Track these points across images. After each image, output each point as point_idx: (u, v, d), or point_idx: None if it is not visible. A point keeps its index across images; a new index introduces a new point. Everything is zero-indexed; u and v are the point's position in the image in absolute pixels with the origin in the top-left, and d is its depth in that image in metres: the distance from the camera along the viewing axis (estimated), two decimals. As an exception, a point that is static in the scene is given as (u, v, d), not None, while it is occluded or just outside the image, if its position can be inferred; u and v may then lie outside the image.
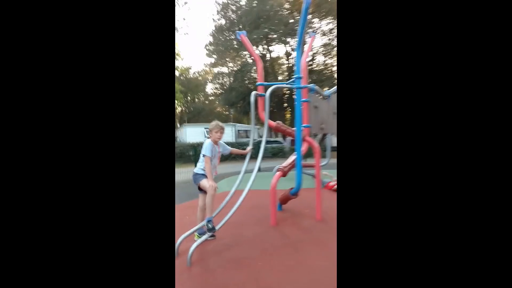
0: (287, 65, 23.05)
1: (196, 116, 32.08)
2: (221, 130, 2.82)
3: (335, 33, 20.01)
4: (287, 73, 22.35)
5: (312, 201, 4.23)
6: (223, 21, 21.96)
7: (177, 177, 8.72)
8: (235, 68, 24.12)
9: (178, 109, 32.67)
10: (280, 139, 19.06)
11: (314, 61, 20.13)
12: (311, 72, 19.02)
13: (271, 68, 20.74)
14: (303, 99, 3.46)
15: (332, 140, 8.10)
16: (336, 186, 5.13)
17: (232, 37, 21.88)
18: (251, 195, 2.90)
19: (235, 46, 22.06)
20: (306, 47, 4.53)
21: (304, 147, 3.53)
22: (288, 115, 22.48)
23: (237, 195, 3.02)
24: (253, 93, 3.41)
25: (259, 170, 7.33)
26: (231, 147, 3.08)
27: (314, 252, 2.56)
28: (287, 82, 3.63)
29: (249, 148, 3.24)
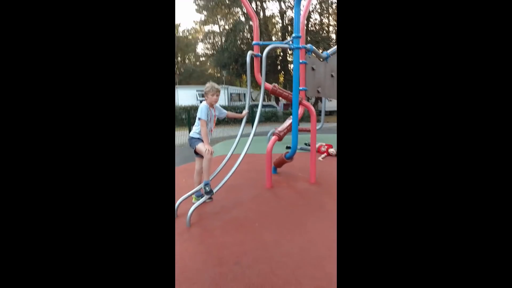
0: (281, 24, 21.92)
1: (187, 78, 31.05)
2: (217, 92, 2.72)
3: (334, -11, 18.80)
4: (280, 34, 21.33)
5: (305, 165, 4.32)
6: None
7: (171, 141, 8.66)
8: (226, 27, 22.84)
9: (168, 71, 31.32)
10: (273, 103, 18.83)
11: (309, 21, 19.11)
12: (305, 32, 18.22)
13: (264, 27, 19.65)
14: (301, 61, 3.33)
15: (326, 104, 8.03)
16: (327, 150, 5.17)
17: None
18: (246, 159, 2.91)
19: (227, 1, 20.63)
20: (304, 3, 4.24)
21: (300, 111, 3.48)
22: (281, 78, 21.96)
23: (233, 159, 3.04)
24: (249, 53, 3.24)
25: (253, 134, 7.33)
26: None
27: (310, 213, 2.66)
28: (285, 42, 3.45)
29: (245, 111, 3.18)
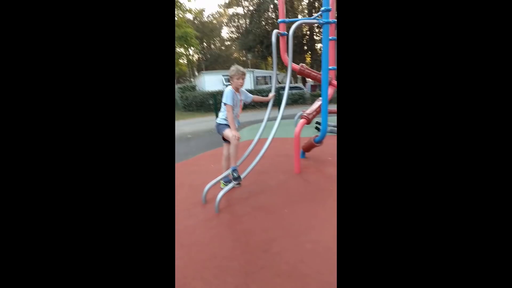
0: (307, 1, 20.82)
1: (213, 63, 31.10)
2: (243, 76, 2.62)
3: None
4: (307, 11, 20.30)
5: (334, 148, 4.14)
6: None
7: (199, 126, 8.84)
8: (251, 8, 22.22)
9: (195, 56, 31.70)
10: (299, 84, 18.26)
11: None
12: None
13: (290, 4, 18.82)
14: (331, 37, 3.09)
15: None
16: None
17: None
18: (273, 144, 2.83)
19: (251, -19, 19.93)
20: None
21: (330, 92, 3.28)
22: (308, 59, 21.13)
23: (260, 143, 2.97)
24: (275, 31, 3.06)
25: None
26: (251, 94, 2.92)
27: (340, 199, 2.54)
28: (313, 17, 3.21)
29: (271, 94, 3.06)
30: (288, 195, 2.70)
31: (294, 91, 14.50)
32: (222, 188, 2.72)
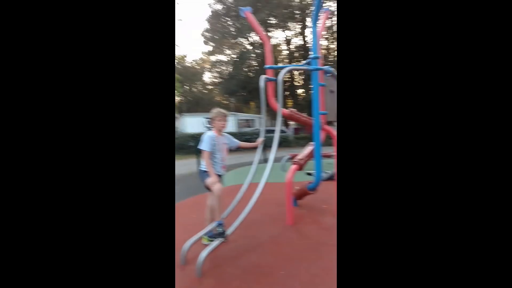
0: (287, 51, 22.39)
1: (195, 106, 31.52)
2: (224, 118, 2.51)
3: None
4: (287, 61, 21.69)
5: (328, 194, 3.89)
6: (219, 6, 21.09)
7: (179, 170, 8.41)
8: (233, 55, 23.44)
9: (177, 99, 32.11)
10: (282, 127, 18.59)
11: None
12: (312, 57, 18.49)
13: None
14: (320, 83, 3.08)
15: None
16: None
17: (229, 23, 21.07)
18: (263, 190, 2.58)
19: (233, 32, 21.30)
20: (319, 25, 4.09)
21: (321, 136, 3.17)
22: (290, 103, 22.00)
23: (248, 190, 2.70)
24: (262, 77, 3.02)
25: (265, 161, 7.01)
26: (233, 137, 2.73)
27: (342, 256, 2.24)
28: (302, 64, 3.23)
29: (260, 139, 2.90)
30: (283, 252, 2.36)
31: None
32: (205, 245, 2.34)
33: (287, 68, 2.97)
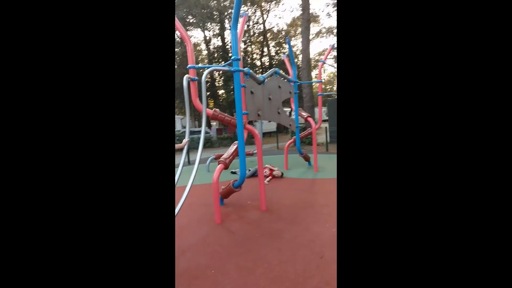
0: (206, 51, 22.19)
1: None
2: None
3: (254, 19, 20.16)
4: (207, 61, 21.53)
5: (252, 191, 4.11)
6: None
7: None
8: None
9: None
10: (206, 128, 18.33)
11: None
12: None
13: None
14: (242, 84, 3.21)
15: (263, 126, 8.13)
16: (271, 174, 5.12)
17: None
18: (184, 193, 2.54)
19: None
20: (239, 26, 4.23)
21: (244, 135, 3.31)
22: (211, 104, 21.90)
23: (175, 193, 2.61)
24: (186, 76, 2.96)
25: (188, 163, 6.82)
26: None
27: (269, 246, 2.41)
28: (224, 65, 3.30)
29: (185, 140, 2.84)
30: (212, 251, 2.39)
31: (200, 135, 14.42)
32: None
33: (210, 69, 2.99)
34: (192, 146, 7.97)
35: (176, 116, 21.17)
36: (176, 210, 2.39)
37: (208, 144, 14.75)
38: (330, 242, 2.36)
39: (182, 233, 2.81)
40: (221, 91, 21.84)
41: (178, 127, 18.37)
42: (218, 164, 3.22)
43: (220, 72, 16.77)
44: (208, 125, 19.15)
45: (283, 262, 2.12)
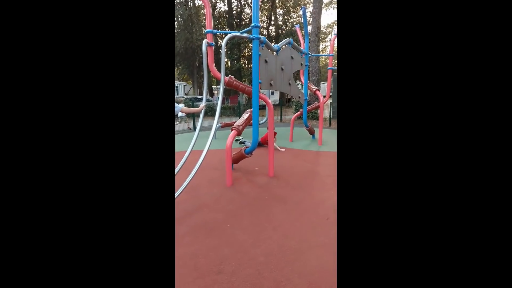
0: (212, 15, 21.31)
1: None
2: None
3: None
4: (213, 24, 20.71)
5: (258, 158, 4.31)
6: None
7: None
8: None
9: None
10: (208, 97, 18.11)
11: (242, 14, 19.09)
12: (238, 26, 18.14)
13: (196, 17, 18.82)
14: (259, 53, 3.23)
15: (272, 98, 8.14)
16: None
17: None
18: (194, 156, 2.70)
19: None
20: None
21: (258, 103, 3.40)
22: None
23: (180, 156, 2.77)
24: (204, 41, 2.98)
25: (194, 129, 6.93)
26: None
27: (276, 207, 2.62)
28: (243, 31, 3.29)
29: (202, 105, 2.93)
30: (226, 209, 2.60)
31: (204, 103, 14.37)
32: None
33: (231, 35, 3.00)
34: (197, 115, 8.04)
35: (179, 82, 20.82)
36: (192, 174, 2.55)
37: (211, 113, 14.80)
38: (334, 207, 2.57)
39: (195, 192, 3.01)
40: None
41: (180, 93, 18.17)
42: (231, 130, 3.34)
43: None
44: (211, 93, 18.98)
45: (292, 222, 2.33)
